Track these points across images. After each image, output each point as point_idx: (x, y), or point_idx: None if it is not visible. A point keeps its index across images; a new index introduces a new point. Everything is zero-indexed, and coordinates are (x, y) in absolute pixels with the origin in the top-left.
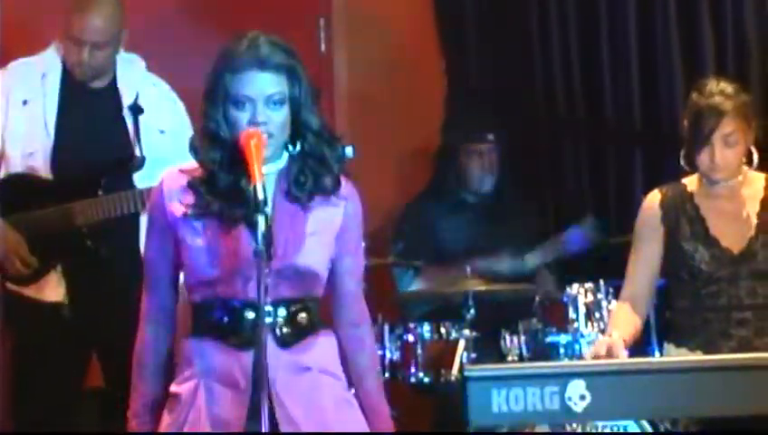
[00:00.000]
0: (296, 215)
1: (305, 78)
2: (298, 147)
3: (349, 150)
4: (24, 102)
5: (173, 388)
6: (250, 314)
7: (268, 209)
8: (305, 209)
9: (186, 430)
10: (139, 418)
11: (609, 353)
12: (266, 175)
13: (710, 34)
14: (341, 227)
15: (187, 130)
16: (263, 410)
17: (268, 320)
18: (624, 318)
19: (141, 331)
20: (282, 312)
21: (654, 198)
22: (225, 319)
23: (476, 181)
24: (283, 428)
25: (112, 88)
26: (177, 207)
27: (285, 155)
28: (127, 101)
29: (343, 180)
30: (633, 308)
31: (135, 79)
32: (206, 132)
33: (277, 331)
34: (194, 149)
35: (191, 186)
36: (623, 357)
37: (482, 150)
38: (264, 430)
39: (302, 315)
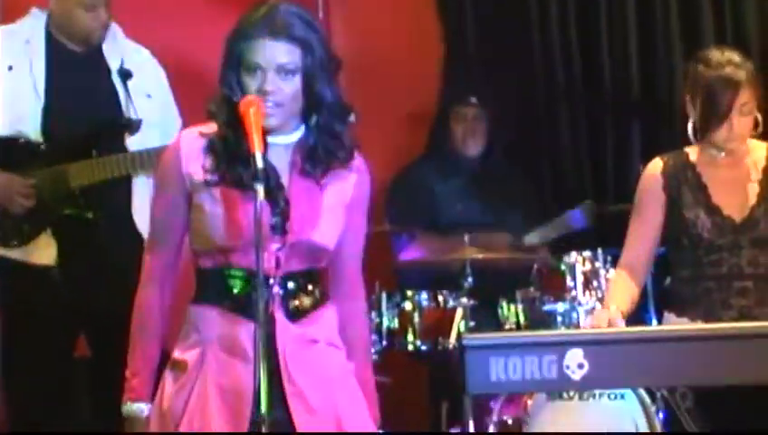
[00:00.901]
0: (311, 189)
1: (322, 50)
2: (313, 121)
3: (351, 116)
4: (10, 68)
5: (177, 353)
6: (263, 286)
7: (284, 181)
8: (320, 184)
9: (193, 397)
10: (139, 376)
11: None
12: (280, 147)
13: (708, 2)
14: (350, 200)
15: (170, 96)
16: (256, 378)
17: (279, 293)
18: (622, 289)
19: (144, 289)
20: (292, 285)
21: (656, 166)
22: (237, 289)
23: (461, 144)
24: (291, 400)
25: (98, 53)
26: (196, 170)
27: (302, 128)
28: (114, 65)
29: (355, 154)
30: (632, 276)
31: (117, 44)
32: (222, 96)
33: (288, 304)
34: (211, 112)
35: (210, 149)
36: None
37: (466, 113)
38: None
39: (311, 288)
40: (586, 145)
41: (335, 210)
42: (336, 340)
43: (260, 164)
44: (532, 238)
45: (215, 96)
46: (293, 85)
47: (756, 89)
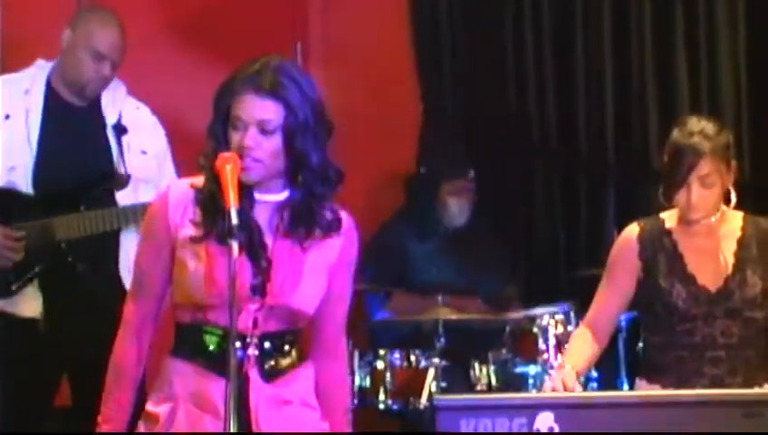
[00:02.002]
0: (294, 251)
1: (310, 111)
2: (299, 180)
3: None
4: (7, 117)
5: (150, 406)
6: (238, 344)
7: (267, 241)
8: (303, 246)
9: None
10: (111, 423)
11: (564, 388)
12: (266, 205)
13: (684, 66)
14: (336, 262)
15: (167, 154)
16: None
17: (254, 353)
18: (580, 348)
19: (124, 339)
20: (268, 345)
21: (632, 232)
22: (212, 346)
23: (455, 216)
24: None
25: (95, 107)
26: (183, 223)
27: (287, 190)
28: (110, 120)
29: (343, 215)
30: (594, 336)
31: (117, 100)
32: (210, 149)
33: (263, 364)
34: (200, 164)
35: (197, 201)
36: (577, 390)
37: (463, 186)
38: None
39: (287, 348)
40: (560, 207)
41: (318, 273)
42: (311, 400)
43: (234, 220)
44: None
45: (205, 149)
46: (273, 143)
47: (725, 162)
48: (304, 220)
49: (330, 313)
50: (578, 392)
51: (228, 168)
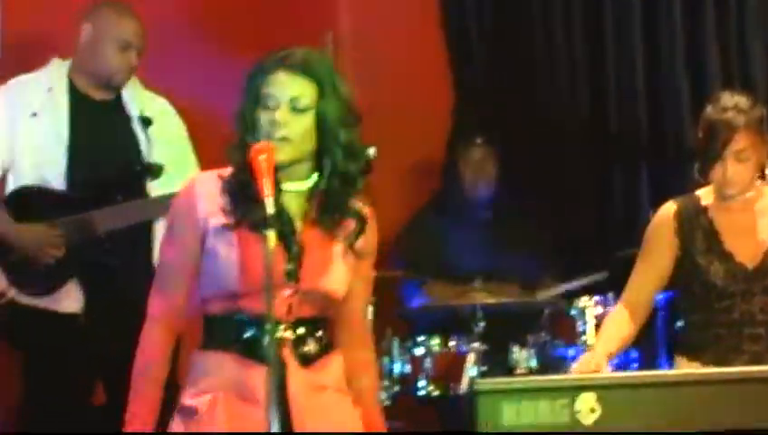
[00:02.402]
0: (323, 238)
1: (340, 95)
2: (328, 165)
3: (370, 151)
4: (33, 115)
5: (187, 400)
6: (273, 332)
7: (298, 227)
8: (332, 235)
9: None
10: (140, 419)
11: (595, 372)
12: (292, 194)
13: (715, 47)
14: (360, 249)
15: (188, 143)
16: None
17: (290, 338)
18: (614, 329)
19: (149, 333)
20: (302, 330)
21: (668, 210)
22: (248, 334)
23: (470, 186)
24: None
25: (118, 101)
26: (213, 213)
27: (314, 176)
28: (134, 113)
29: (360, 203)
30: (630, 316)
31: (137, 94)
32: (237, 136)
33: (299, 349)
34: (228, 153)
35: (226, 191)
36: (607, 373)
37: (473, 154)
38: None
39: (320, 334)
40: (594, 189)
41: (345, 259)
42: (343, 386)
43: (270, 210)
44: (543, 295)
45: (232, 140)
46: (304, 122)
47: (759, 136)
48: (333, 209)
49: (355, 301)
50: (619, 372)
51: (263, 157)
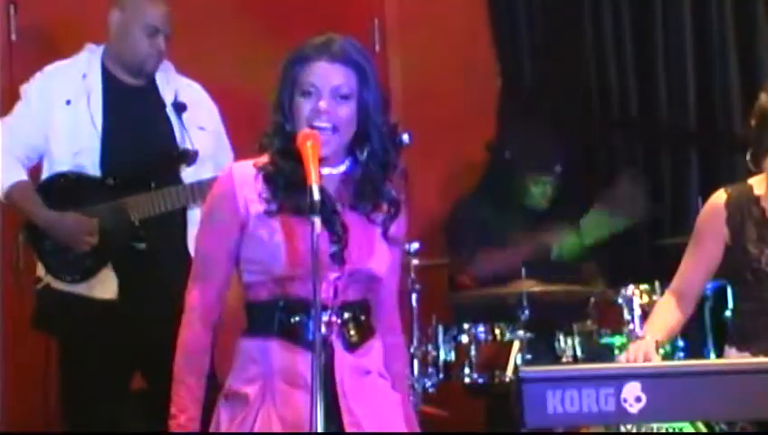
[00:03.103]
0: (364, 221)
1: (376, 81)
2: (364, 153)
3: (405, 137)
4: (68, 102)
5: (237, 386)
6: (320, 316)
7: (338, 208)
8: (370, 218)
9: (255, 430)
10: (187, 413)
11: (645, 360)
12: (329, 176)
13: (766, 30)
14: (390, 236)
15: (222, 129)
16: (316, 410)
17: (337, 322)
18: (663, 317)
19: (192, 325)
20: (347, 314)
21: (719, 198)
22: (295, 319)
23: (538, 204)
24: (350, 431)
25: (152, 87)
26: (253, 200)
27: (346, 162)
28: (168, 98)
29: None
30: (679, 304)
31: (171, 79)
32: (274, 124)
33: (345, 333)
34: (263, 144)
35: (266, 178)
36: (655, 361)
37: (548, 180)
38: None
39: (364, 318)
40: (642, 176)
41: (384, 242)
42: (384, 371)
43: (316, 196)
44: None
45: (266, 129)
46: (348, 109)
47: None
48: (370, 193)
49: (387, 286)
50: (665, 362)
51: (309, 144)
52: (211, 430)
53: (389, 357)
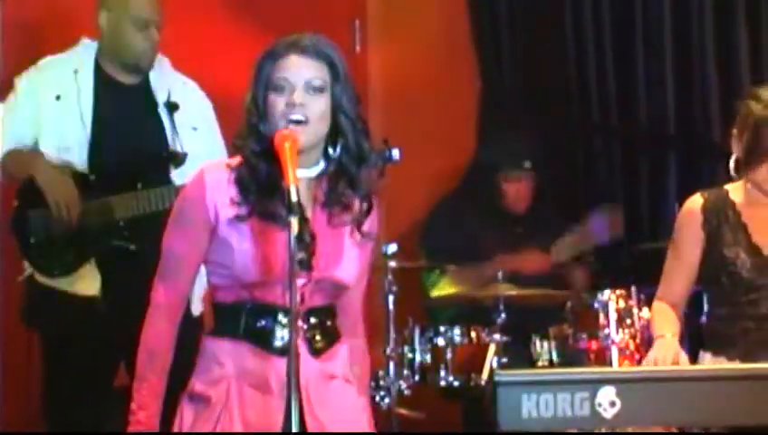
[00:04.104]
0: (332, 223)
1: (348, 76)
2: (337, 148)
3: (395, 153)
4: (57, 98)
5: (199, 387)
6: (286, 321)
7: (308, 215)
8: (341, 220)
9: (217, 431)
10: (147, 410)
11: (675, 362)
12: (302, 181)
13: (745, 37)
14: (361, 238)
15: (216, 128)
16: (293, 415)
17: (303, 327)
18: (669, 318)
19: (156, 321)
20: (313, 320)
21: (695, 203)
22: (261, 323)
23: (511, 204)
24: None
25: (145, 85)
26: (224, 204)
27: (321, 163)
28: (161, 98)
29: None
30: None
31: (165, 77)
32: (248, 125)
33: (311, 339)
34: (236, 145)
35: (238, 181)
36: (683, 360)
37: (519, 177)
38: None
39: (329, 323)
40: (621, 181)
41: (354, 247)
42: (350, 376)
43: (294, 197)
44: (559, 251)
45: (239, 130)
46: (321, 103)
47: None
48: (343, 188)
49: (354, 289)
50: (640, 367)
51: (287, 145)
52: (175, 428)
53: (352, 361)
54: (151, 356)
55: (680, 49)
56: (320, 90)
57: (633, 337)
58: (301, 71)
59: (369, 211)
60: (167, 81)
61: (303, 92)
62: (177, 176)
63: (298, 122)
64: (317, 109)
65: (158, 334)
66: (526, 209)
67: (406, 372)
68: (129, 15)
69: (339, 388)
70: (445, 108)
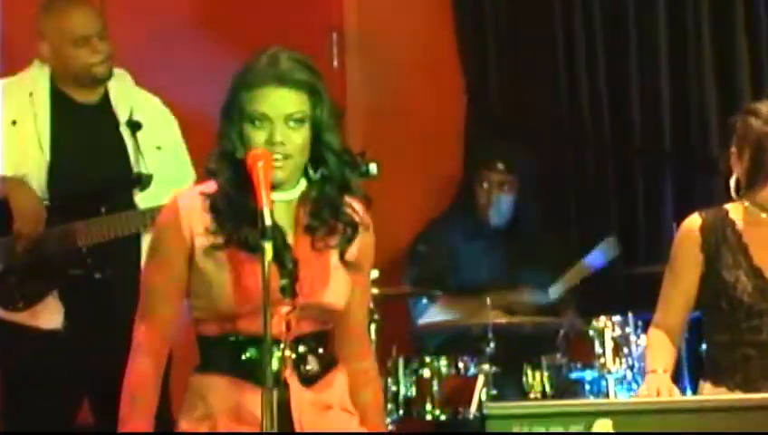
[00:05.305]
0: (317, 247)
1: (327, 97)
2: (318, 173)
3: (372, 167)
4: (13, 123)
5: (185, 425)
6: (272, 352)
7: (290, 241)
8: (325, 243)
9: None
10: None
11: (659, 394)
12: (282, 204)
13: (744, 49)
14: (357, 257)
15: (182, 147)
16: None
17: (291, 357)
18: (664, 350)
19: (137, 362)
20: (302, 348)
21: (694, 223)
22: (246, 355)
23: (484, 211)
24: None
25: (105, 103)
26: (199, 233)
27: (302, 182)
28: (122, 116)
29: (358, 207)
30: (668, 338)
31: (127, 94)
32: (222, 152)
33: (301, 368)
34: (210, 170)
35: (213, 208)
36: (676, 395)
37: (491, 178)
38: None
39: (321, 351)
40: (615, 201)
41: (341, 268)
42: (349, 405)
43: (268, 221)
44: (555, 290)
45: (213, 153)
46: (302, 135)
47: None
48: (328, 215)
49: (354, 311)
50: (638, 398)
51: (261, 164)
52: None
53: (356, 386)
54: (134, 399)
55: (676, 60)
56: (300, 121)
57: (630, 367)
58: (280, 105)
59: (353, 238)
60: (128, 97)
61: (284, 127)
62: (142, 199)
63: (282, 157)
64: (298, 143)
65: (139, 375)
66: (508, 219)
67: (390, 406)
68: (66, 39)
69: (336, 418)
70: (429, 126)
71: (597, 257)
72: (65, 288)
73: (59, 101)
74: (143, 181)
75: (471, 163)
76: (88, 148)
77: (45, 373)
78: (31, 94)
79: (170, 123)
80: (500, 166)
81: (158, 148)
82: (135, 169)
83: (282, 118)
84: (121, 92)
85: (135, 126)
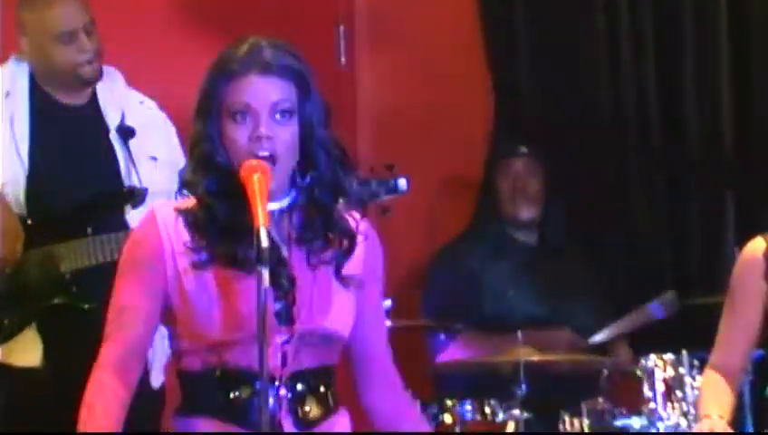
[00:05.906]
0: (315, 265)
1: (317, 91)
2: (308, 177)
3: (402, 183)
4: None
5: None
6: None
7: (284, 255)
8: (322, 258)
9: None
10: None
11: None
12: (272, 214)
13: None
14: (362, 275)
15: (181, 157)
16: None
17: (288, 396)
18: (719, 395)
19: (98, 375)
20: (301, 386)
21: (756, 248)
22: (235, 394)
23: (510, 205)
24: None
25: (93, 105)
26: (179, 252)
27: (291, 192)
28: (113, 121)
29: (358, 217)
30: (726, 381)
31: (118, 95)
32: (199, 157)
33: (297, 410)
34: (185, 180)
35: (193, 224)
36: None
37: (515, 166)
38: None
39: (323, 390)
40: (666, 219)
41: (343, 289)
42: None
43: (265, 242)
44: (600, 337)
45: (188, 162)
46: (291, 131)
47: None
48: (319, 224)
49: (371, 336)
50: None
51: (256, 177)
52: None
53: (397, 421)
54: (91, 410)
55: (738, 63)
56: (288, 113)
57: (685, 413)
58: (264, 93)
59: (350, 250)
60: (120, 100)
61: (270, 120)
62: (135, 217)
63: (268, 157)
64: (286, 139)
65: (101, 387)
66: (534, 219)
67: None
68: (48, 35)
69: None
70: (450, 131)
71: (654, 311)
72: (45, 320)
73: (40, 102)
74: (136, 196)
75: (491, 159)
76: (73, 157)
77: (21, 416)
78: (8, 94)
79: (167, 130)
80: (522, 150)
81: (153, 158)
82: (126, 183)
83: (267, 108)
84: (112, 94)
85: (127, 133)
